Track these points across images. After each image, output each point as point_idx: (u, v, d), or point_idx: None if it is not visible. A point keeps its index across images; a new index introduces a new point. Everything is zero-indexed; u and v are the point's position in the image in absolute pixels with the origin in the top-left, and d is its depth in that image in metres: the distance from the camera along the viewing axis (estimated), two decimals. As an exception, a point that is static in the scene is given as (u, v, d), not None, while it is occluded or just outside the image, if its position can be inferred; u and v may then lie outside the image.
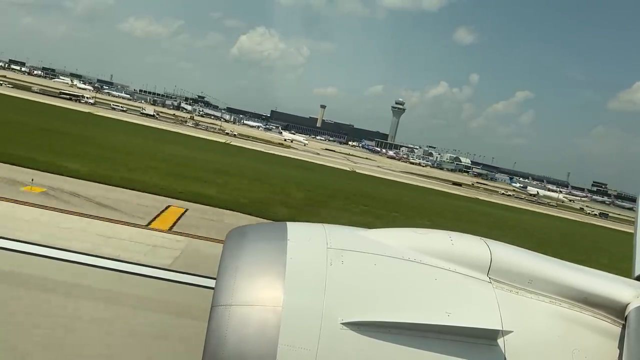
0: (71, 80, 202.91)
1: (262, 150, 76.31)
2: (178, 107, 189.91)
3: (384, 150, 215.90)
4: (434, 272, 2.43)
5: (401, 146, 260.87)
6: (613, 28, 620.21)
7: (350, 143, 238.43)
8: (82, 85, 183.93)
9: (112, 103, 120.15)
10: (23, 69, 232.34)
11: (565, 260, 2.85)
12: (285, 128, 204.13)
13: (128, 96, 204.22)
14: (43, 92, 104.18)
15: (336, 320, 2.17)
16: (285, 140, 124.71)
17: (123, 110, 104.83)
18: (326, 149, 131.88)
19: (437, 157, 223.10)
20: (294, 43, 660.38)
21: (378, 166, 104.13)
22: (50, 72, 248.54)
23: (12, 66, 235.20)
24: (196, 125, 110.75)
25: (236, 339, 2.13)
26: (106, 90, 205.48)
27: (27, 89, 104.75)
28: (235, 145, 74.92)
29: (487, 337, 2.24)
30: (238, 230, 2.64)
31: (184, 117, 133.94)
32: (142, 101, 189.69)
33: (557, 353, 2.34)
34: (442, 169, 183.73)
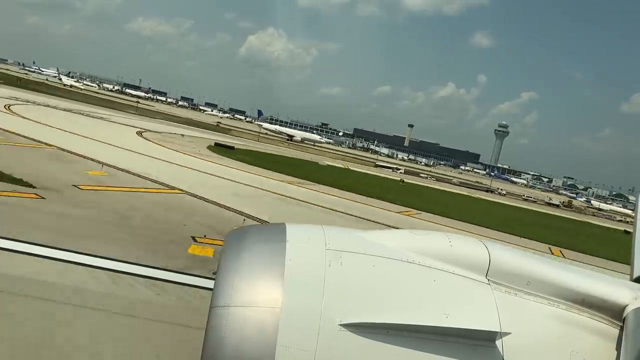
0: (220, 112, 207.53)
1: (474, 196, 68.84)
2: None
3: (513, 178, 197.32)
4: (432, 274, 2.44)
5: (514, 171, 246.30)
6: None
7: (462, 167, 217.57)
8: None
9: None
10: (169, 99, 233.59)
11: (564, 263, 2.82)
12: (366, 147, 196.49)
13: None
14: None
15: (335, 322, 2.18)
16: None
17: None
18: (462, 183, 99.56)
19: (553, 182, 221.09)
20: (305, 44, 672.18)
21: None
22: (190, 102, 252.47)
23: (157, 97, 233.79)
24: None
25: (235, 340, 2.13)
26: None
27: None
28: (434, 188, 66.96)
29: (485, 339, 2.25)
30: (237, 231, 2.66)
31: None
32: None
33: (555, 355, 2.35)
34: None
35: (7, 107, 46.95)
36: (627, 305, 2.47)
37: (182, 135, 59.11)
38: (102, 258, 11.55)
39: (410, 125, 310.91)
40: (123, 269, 11.20)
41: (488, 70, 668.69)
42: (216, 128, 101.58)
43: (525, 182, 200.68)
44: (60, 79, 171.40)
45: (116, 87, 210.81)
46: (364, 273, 2.37)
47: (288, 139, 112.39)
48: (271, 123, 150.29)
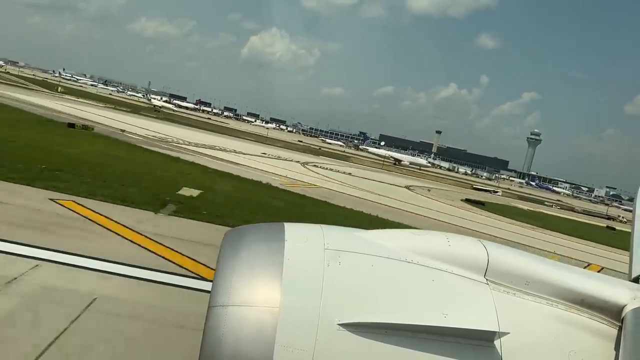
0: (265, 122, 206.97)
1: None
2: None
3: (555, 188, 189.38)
4: (431, 274, 2.43)
5: (549, 179, 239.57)
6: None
7: (505, 177, 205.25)
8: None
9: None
10: (215, 110, 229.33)
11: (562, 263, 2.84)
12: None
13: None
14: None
15: (333, 321, 2.18)
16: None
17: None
18: (496, 191, 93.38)
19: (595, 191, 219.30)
20: (307, 45, 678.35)
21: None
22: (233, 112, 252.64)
23: (225, 113, 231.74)
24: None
25: (233, 340, 2.13)
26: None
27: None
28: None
29: (484, 339, 2.25)
30: (236, 230, 2.65)
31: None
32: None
33: (554, 355, 2.34)
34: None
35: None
36: (625, 305, 2.47)
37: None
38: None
39: (438, 132, 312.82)
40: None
41: (490, 71, 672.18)
42: (317, 151, 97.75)
43: (567, 192, 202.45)
44: (149, 99, 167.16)
45: (164, 99, 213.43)
46: (363, 273, 2.37)
47: (395, 163, 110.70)
48: (375, 145, 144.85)
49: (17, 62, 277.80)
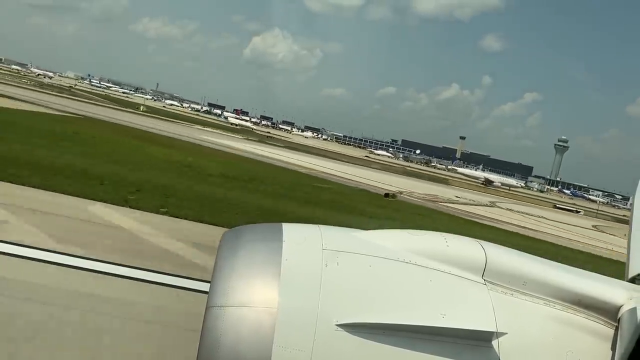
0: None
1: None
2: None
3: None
4: (428, 274, 2.44)
5: (580, 186, 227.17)
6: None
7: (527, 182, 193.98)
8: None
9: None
10: (254, 119, 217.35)
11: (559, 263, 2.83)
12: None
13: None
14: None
15: (331, 322, 2.18)
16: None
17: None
18: (579, 211, 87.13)
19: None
20: (309, 45, 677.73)
21: None
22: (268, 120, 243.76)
23: (263, 122, 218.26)
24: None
25: (231, 340, 2.13)
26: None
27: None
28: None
29: (481, 339, 2.26)
30: (233, 231, 2.66)
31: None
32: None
33: (551, 355, 2.35)
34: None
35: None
36: (622, 306, 2.48)
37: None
38: None
39: (462, 138, 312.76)
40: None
41: (492, 72, 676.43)
42: (421, 174, 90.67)
43: (602, 200, 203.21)
44: (226, 117, 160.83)
45: (204, 108, 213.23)
46: (361, 273, 2.38)
47: (483, 184, 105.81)
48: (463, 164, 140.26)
49: (26, 65, 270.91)
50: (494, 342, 2.27)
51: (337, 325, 2.19)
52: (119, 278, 10.13)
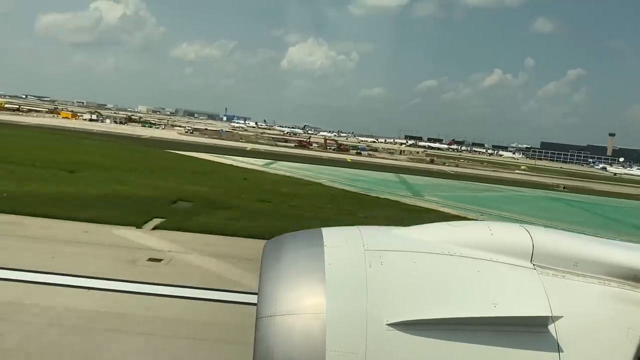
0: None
1: None
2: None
3: None
4: (475, 264, 2.39)
5: None
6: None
7: None
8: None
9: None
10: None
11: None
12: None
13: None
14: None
15: (382, 322, 2.16)
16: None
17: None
18: None
19: None
20: (343, 48, 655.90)
21: None
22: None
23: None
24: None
25: (283, 349, 2.13)
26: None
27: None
28: None
29: (537, 325, 2.21)
30: (275, 240, 2.65)
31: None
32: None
33: (611, 333, 2.28)
34: None
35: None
36: None
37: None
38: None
39: (612, 134, 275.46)
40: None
41: (537, 55, 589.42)
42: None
43: None
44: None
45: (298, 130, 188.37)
46: (406, 270, 2.35)
47: None
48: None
49: (105, 105, 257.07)
50: (551, 327, 2.23)
51: (387, 324, 2.18)
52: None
